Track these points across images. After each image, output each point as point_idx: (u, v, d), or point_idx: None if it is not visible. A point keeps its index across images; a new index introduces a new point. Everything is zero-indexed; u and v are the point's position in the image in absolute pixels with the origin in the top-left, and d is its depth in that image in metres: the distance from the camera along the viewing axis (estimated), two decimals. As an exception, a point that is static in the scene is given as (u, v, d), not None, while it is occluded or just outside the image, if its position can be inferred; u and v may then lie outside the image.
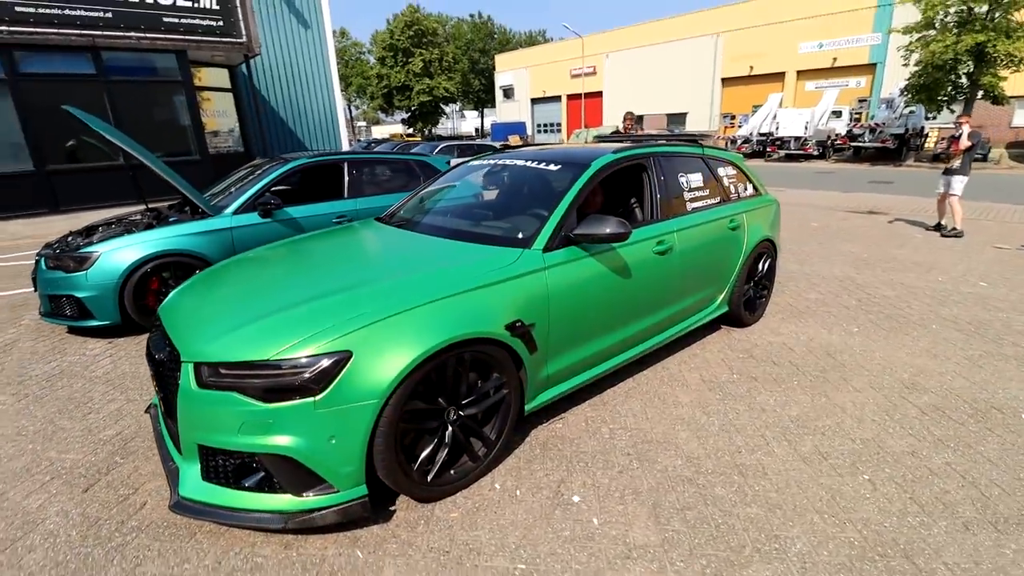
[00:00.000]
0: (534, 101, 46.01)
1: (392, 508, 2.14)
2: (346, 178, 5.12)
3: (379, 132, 61.13)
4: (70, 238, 4.30)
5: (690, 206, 3.45)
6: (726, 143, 25.15)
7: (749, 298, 4.09)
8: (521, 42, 58.08)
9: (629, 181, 3.36)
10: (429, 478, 2.11)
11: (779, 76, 30.07)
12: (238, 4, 9.87)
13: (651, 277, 3.02)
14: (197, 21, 9.53)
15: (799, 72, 29.39)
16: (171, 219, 4.40)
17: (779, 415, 2.82)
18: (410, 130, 49.84)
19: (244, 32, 10.11)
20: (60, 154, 8.74)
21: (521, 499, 2.19)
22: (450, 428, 2.18)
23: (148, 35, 9.16)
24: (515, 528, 2.03)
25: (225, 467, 1.91)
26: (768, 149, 22.20)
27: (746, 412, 2.85)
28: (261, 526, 1.91)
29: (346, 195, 5.06)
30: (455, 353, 2.06)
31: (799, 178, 15.79)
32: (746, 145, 23.21)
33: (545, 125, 45.68)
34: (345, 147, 17.94)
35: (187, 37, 9.56)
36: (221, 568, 1.85)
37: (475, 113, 61.48)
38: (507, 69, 47.77)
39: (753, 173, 4.33)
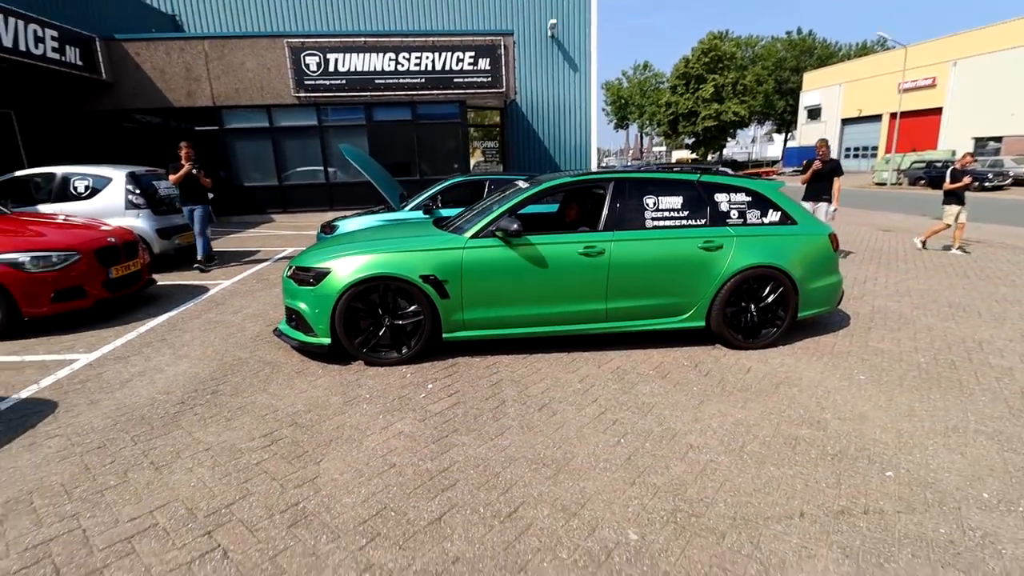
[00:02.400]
0: (845, 122, 39.41)
1: (353, 362, 3.89)
2: (486, 191, 7.07)
3: (677, 155, 63.69)
4: (336, 218, 7.54)
5: (651, 223, 4.02)
6: None
7: (751, 323, 4.16)
8: (848, 55, 50.11)
9: (597, 199, 4.19)
10: (364, 350, 3.78)
11: None
12: (503, 64, 13.14)
13: (576, 273, 3.87)
14: (474, 79, 13.19)
15: None
16: (378, 211, 7.20)
17: (630, 396, 3.33)
18: (694, 155, 49.48)
19: (504, 84, 13.33)
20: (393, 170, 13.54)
21: (406, 378, 3.63)
22: (384, 328, 3.80)
23: (444, 91, 13.25)
24: (388, 384, 3.51)
25: (289, 316, 4.03)
26: None
27: (613, 388, 3.45)
28: (292, 345, 3.96)
29: (483, 203, 7.00)
30: (382, 283, 3.68)
31: None
32: None
33: (856, 149, 38.59)
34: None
35: (467, 91, 13.34)
36: (276, 354, 3.97)
37: (782, 136, 56.32)
38: (815, 87, 42.31)
39: (785, 201, 4.29)
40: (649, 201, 4.06)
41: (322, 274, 3.73)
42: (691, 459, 2.64)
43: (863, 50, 50.02)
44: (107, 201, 6.79)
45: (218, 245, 9.11)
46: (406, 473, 2.52)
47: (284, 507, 2.28)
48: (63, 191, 6.87)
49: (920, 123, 31.68)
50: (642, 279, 3.97)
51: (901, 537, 2.10)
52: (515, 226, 3.68)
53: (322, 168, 13.70)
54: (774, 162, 47.29)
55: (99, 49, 11.58)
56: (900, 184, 25.93)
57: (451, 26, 18.19)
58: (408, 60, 12.85)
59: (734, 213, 4.17)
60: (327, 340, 3.77)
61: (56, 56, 10.23)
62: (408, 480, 2.46)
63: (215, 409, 3.20)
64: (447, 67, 13.00)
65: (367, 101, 13.12)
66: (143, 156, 12.90)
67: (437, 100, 13.39)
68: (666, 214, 4.06)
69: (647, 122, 55.99)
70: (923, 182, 24.58)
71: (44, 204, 6.70)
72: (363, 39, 12.70)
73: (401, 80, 12.95)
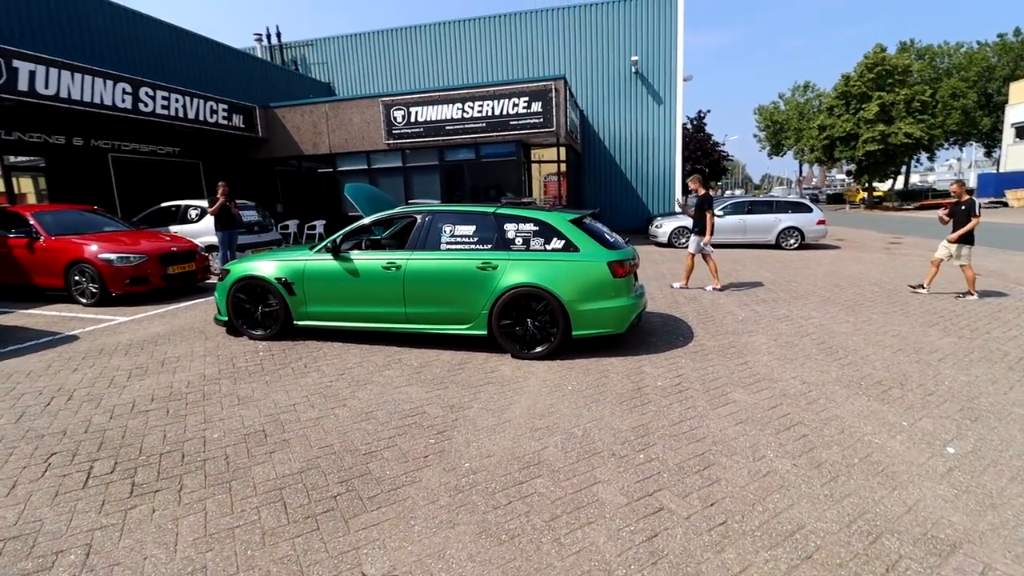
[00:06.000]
0: (1072, 141, 30.67)
1: (244, 337, 5.65)
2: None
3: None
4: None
5: (445, 246, 5.04)
6: None
7: (528, 336, 4.86)
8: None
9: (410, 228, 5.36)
10: (245, 327, 5.53)
11: None
12: (553, 107, 14.41)
13: (380, 283, 5.09)
14: (527, 120, 14.69)
15: None
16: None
17: (368, 376, 4.44)
18: (855, 184, 43.14)
19: (555, 123, 14.56)
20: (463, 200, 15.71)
21: (258, 347, 5.24)
22: (258, 314, 5.50)
23: (502, 133, 15.00)
24: (240, 349, 5.16)
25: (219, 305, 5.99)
26: None
27: (367, 368, 4.59)
28: (218, 325, 5.89)
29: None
30: (252, 283, 5.40)
31: None
32: None
33: (1089, 176, 29.70)
34: (677, 205, 19.94)
35: (521, 132, 14.89)
36: (213, 328, 5.94)
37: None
38: (1029, 100, 33.80)
39: (572, 231, 4.89)
40: (447, 229, 5.10)
41: (226, 274, 5.61)
42: (312, 403, 3.74)
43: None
44: (206, 224, 9.90)
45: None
46: (170, 391, 4.11)
47: (100, 393, 4.05)
48: (184, 217, 10.24)
49: None
50: (431, 291, 5.01)
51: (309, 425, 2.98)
52: (331, 245, 5.12)
53: (403, 201, 16.41)
54: (970, 191, 38.61)
55: (258, 115, 16.00)
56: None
57: (540, 71, 20.03)
58: (472, 108, 14.93)
59: (519, 240, 4.95)
60: (226, 319, 5.61)
61: (225, 122, 14.62)
62: (167, 394, 4.05)
63: (140, 350, 5.22)
64: (504, 112, 14.75)
65: (439, 145, 15.52)
66: (286, 191, 17.22)
67: (496, 141, 15.19)
68: (459, 239, 5.05)
69: (803, 148, 50.32)
70: None
71: (173, 225, 10.09)
72: (437, 93, 15.19)
73: (466, 125, 15.08)
